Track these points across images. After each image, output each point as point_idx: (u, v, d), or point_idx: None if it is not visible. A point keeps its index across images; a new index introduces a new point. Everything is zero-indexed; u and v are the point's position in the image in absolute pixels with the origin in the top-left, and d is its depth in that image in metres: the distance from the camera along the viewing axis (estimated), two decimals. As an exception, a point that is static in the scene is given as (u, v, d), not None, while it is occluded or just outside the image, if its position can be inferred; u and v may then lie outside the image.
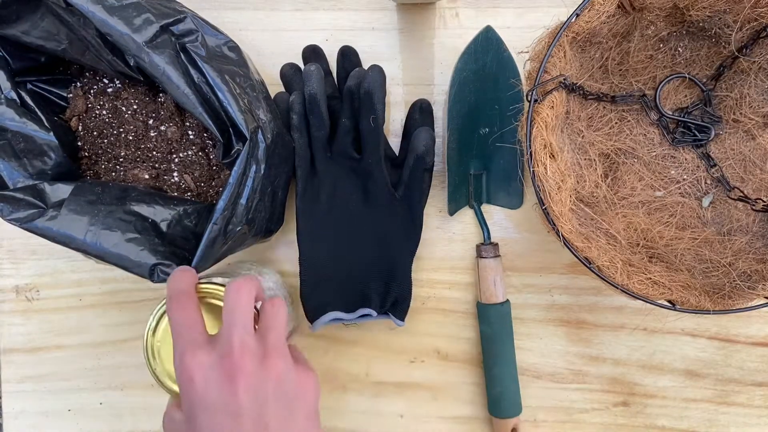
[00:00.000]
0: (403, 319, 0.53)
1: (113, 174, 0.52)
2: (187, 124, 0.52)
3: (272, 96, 0.53)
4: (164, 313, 0.44)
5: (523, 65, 0.50)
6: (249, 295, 0.39)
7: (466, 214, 0.58)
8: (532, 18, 0.57)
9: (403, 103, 0.58)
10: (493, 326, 0.55)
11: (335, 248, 0.53)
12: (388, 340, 0.58)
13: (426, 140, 0.53)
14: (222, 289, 0.45)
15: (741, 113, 0.52)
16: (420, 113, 0.56)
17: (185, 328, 0.38)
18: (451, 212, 0.57)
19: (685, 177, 0.54)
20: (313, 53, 0.56)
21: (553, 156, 0.44)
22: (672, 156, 0.55)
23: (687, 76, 0.53)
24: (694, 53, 0.52)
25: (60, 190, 0.46)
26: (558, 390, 0.58)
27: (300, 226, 0.54)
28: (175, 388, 0.44)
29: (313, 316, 0.52)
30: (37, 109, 0.49)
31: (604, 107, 0.54)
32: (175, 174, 0.52)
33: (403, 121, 0.57)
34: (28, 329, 0.58)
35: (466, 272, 0.58)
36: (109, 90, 0.52)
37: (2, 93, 0.47)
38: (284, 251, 0.58)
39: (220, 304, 0.44)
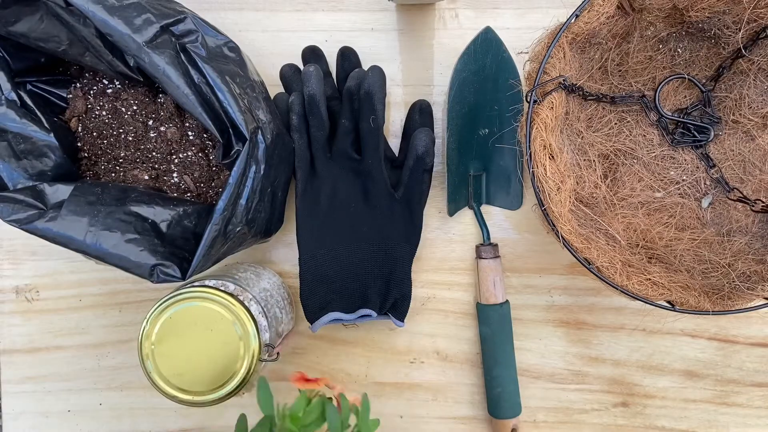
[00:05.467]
0: (402, 320, 0.53)
1: (113, 175, 0.52)
2: (187, 124, 0.52)
3: (272, 97, 0.53)
4: (158, 315, 0.44)
5: (522, 66, 0.50)
6: None
7: (466, 215, 0.58)
8: (531, 19, 0.57)
9: (403, 104, 0.58)
10: (492, 327, 0.55)
11: (335, 249, 0.53)
12: (388, 341, 0.58)
13: (425, 141, 0.53)
14: (216, 292, 0.45)
15: (740, 114, 0.52)
16: (420, 114, 0.56)
17: None
18: (451, 213, 0.57)
19: (684, 178, 0.54)
20: (312, 54, 0.56)
21: (552, 157, 0.44)
22: (671, 157, 0.55)
23: (686, 76, 0.53)
24: (694, 54, 0.53)
25: (60, 191, 0.46)
26: (557, 390, 0.58)
27: (300, 226, 0.54)
28: (169, 390, 0.44)
29: (312, 316, 0.52)
30: (37, 110, 0.49)
31: (604, 108, 0.54)
32: (175, 175, 0.52)
33: (403, 122, 0.58)
34: (28, 330, 0.58)
35: (466, 273, 0.58)
36: (109, 91, 0.52)
37: (3, 94, 0.47)
38: (284, 252, 0.58)
39: (214, 307, 0.44)
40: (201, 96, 0.45)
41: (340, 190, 0.54)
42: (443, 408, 0.58)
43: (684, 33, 0.52)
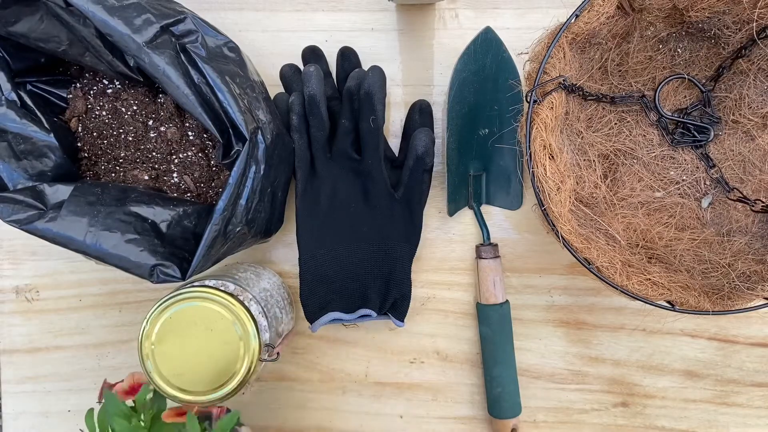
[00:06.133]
0: (402, 320, 0.53)
1: (113, 175, 0.52)
2: (187, 125, 0.52)
3: (272, 97, 0.53)
4: (158, 315, 0.44)
5: (522, 66, 0.50)
6: None
7: (466, 215, 0.58)
8: (531, 19, 0.57)
9: (403, 104, 0.58)
10: (492, 327, 0.55)
11: (335, 249, 0.53)
12: (388, 341, 0.58)
13: (425, 141, 0.53)
14: (216, 292, 0.45)
15: (740, 114, 0.52)
16: (419, 114, 0.56)
17: None
18: (451, 213, 0.57)
19: (684, 178, 0.54)
20: (312, 54, 0.56)
21: (552, 157, 0.44)
22: (671, 157, 0.55)
23: (686, 77, 0.53)
24: (694, 54, 0.53)
25: (60, 192, 0.46)
26: (557, 390, 0.58)
27: (300, 226, 0.54)
28: (169, 390, 0.44)
29: (312, 316, 0.52)
30: (37, 110, 0.49)
31: (604, 108, 0.54)
32: (175, 175, 0.52)
33: (403, 122, 0.58)
34: (28, 330, 0.58)
35: (466, 273, 0.58)
36: (109, 91, 0.52)
37: (3, 94, 0.47)
38: (284, 252, 0.58)
39: (214, 307, 0.44)
40: (201, 96, 0.45)
41: (340, 190, 0.54)
42: (443, 408, 0.58)
43: (684, 33, 0.52)
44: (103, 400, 0.44)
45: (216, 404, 0.45)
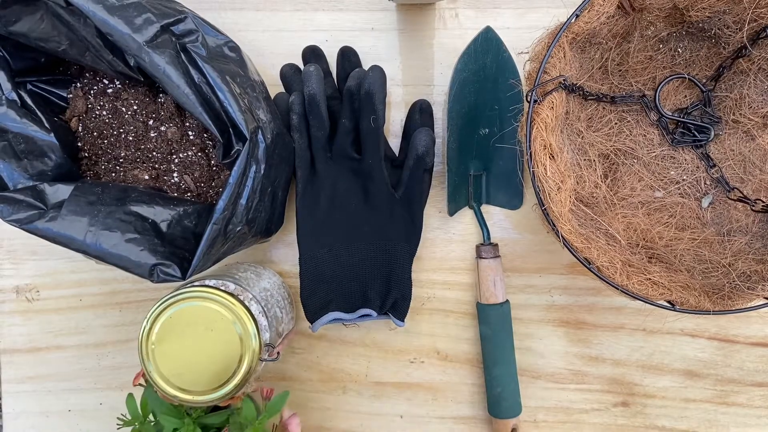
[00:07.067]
0: (403, 320, 0.53)
1: (113, 174, 0.52)
2: (187, 124, 0.52)
3: (272, 96, 0.53)
4: (158, 315, 0.44)
5: (522, 66, 0.50)
6: None
7: (466, 215, 0.58)
8: (531, 19, 0.57)
9: (403, 104, 0.58)
10: (492, 327, 0.55)
11: (335, 248, 0.53)
12: (388, 341, 0.58)
13: (426, 141, 0.53)
14: (216, 291, 0.45)
15: (740, 114, 0.52)
16: (420, 114, 0.56)
17: None
18: (451, 213, 0.57)
19: (684, 177, 0.54)
20: (312, 54, 0.56)
21: (552, 156, 0.44)
22: (672, 156, 0.55)
23: (687, 76, 0.53)
24: (694, 54, 0.53)
25: (60, 191, 0.46)
26: (558, 390, 0.58)
27: (300, 226, 0.54)
28: (169, 389, 0.44)
29: (313, 316, 0.52)
30: (37, 110, 0.49)
31: (604, 108, 0.54)
32: (175, 174, 0.52)
33: (403, 122, 0.58)
34: (29, 330, 0.58)
35: (466, 273, 0.58)
36: (109, 90, 0.52)
37: (3, 94, 0.47)
38: (284, 251, 0.58)
39: (215, 307, 0.44)
40: (201, 96, 0.45)
41: (340, 189, 0.54)
42: (443, 408, 0.58)
43: (684, 33, 0.52)
44: (145, 388, 0.47)
45: (218, 403, 0.45)
